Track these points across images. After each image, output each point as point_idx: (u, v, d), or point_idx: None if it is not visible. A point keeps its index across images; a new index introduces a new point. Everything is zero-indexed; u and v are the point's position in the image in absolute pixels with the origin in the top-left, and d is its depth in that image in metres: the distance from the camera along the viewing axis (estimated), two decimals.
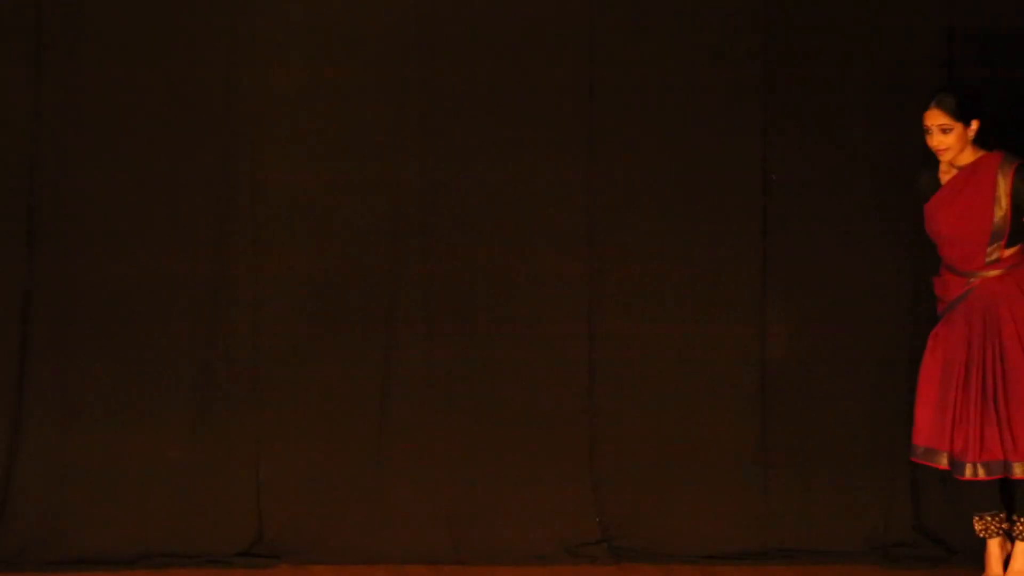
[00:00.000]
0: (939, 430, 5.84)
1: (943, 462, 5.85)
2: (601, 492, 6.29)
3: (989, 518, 5.89)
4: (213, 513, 6.13)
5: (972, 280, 5.85)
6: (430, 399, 6.22)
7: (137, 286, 6.09)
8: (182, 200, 6.12)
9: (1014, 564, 5.86)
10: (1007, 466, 5.78)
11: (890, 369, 6.33)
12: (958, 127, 5.83)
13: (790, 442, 6.34)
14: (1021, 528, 5.85)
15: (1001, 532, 5.91)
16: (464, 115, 6.22)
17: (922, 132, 5.85)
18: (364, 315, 6.19)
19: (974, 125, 5.85)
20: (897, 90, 6.25)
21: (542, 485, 6.26)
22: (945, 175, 5.94)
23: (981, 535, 5.92)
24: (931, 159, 5.91)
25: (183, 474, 6.12)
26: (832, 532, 6.31)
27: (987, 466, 5.78)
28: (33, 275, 6.06)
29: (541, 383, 6.27)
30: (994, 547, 5.91)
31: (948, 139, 5.83)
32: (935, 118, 5.83)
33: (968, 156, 5.89)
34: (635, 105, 6.25)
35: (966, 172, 5.88)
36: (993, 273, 5.84)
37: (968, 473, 5.79)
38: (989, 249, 5.82)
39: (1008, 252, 5.84)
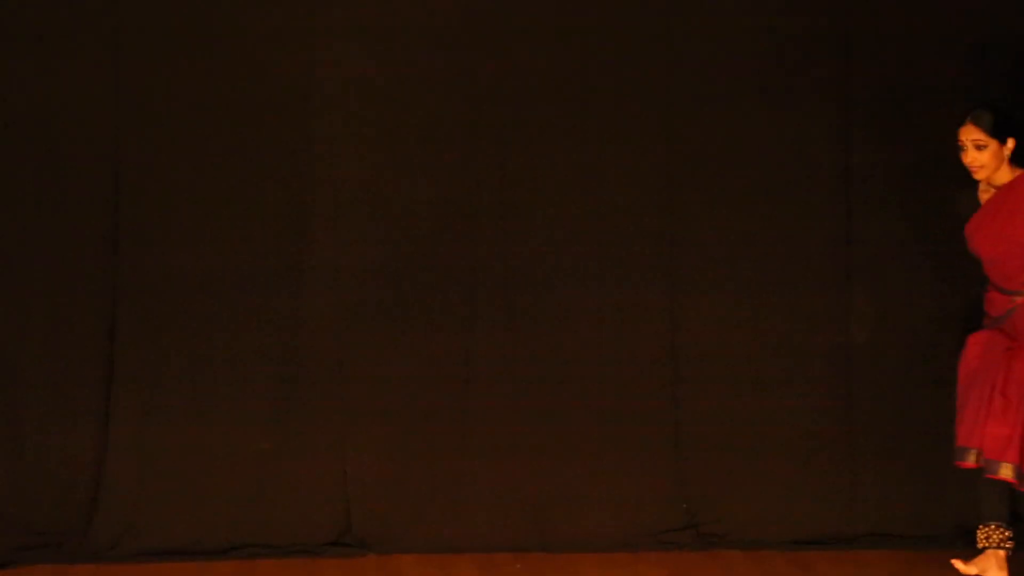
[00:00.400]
0: (970, 428, 5.67)
1: (971, 460, 5.65)
2: (687, 478, 6.27)
3: (992, 528, 5.69)
4: (301, 504, 6.18)
5: (1016, 299, 5.71)
6: (512, 387, 6.22)
7: (219, 280, 6.15)
8: (262, 194, 6.17)
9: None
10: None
11: None
12: (993, 144, 5.69)
13: (877, 426, 6.29)
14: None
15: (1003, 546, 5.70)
16: (542, 103, 6.22)
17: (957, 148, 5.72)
18: (445, 304, 6.21)
19: (1010, 143, 5.70)
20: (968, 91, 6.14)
21: (627, 472, 6.25)
22: (984, 195, 5.82)
23: (982, 545, 5.70)
24: (970, 180, 5.79)
25: (270, 465, 6.17)
26: (920, 516, 6.25)
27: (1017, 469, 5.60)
28: (119, 272, 6.14)
29: (624, 369, 6.25)
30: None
31: (983, 156, 5.69)
32: (970, 133, 5.70)
33: (1005, 175, 5.75)
34: (716, 81, 6.23)
35: (1003, 192, 5.74)
36: None
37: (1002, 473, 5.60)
38: None
39: None
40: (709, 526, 6.26)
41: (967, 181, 5.79)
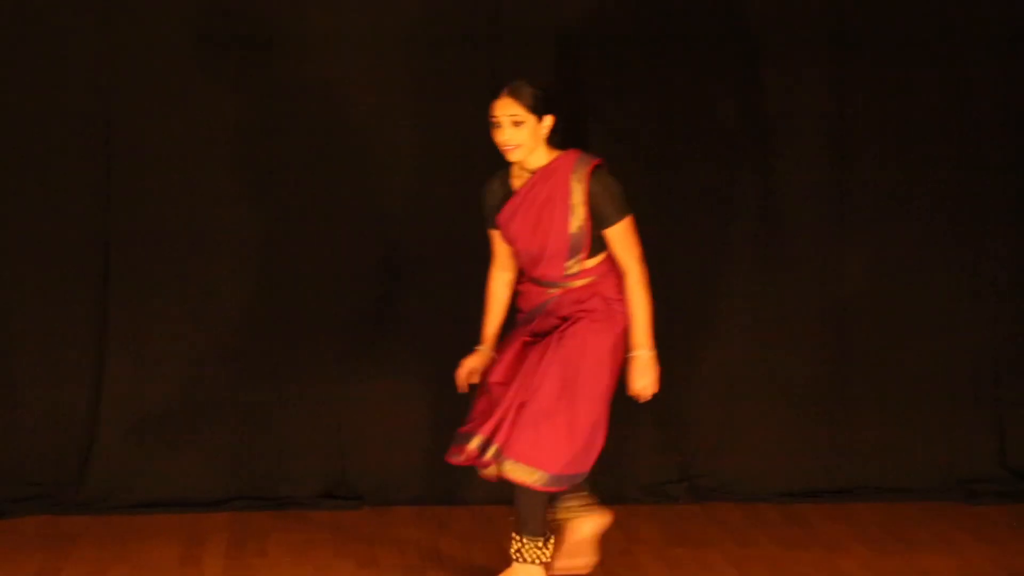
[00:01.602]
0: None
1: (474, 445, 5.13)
2: (679, 431, 6.29)
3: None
4: (294, 455, 6.18)
5: (551, 291, 5.19)
6: None
7: (211, 235, 6.14)
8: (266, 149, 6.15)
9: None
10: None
11: (974, 304, 6.30)
12: (531, 120, 5.09)
13: (869, 378, 6.33)
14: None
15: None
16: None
17: None
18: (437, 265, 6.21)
19: (548, 121, 5.11)
20: None
21: (618, 424, 6.23)
22: (517, 180, 5.20)
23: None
24: (503, 166, 5.22)
25: (262, 417, 6.15)
26: (913, 469, 6.30)
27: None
28: (111, 225, 6.10)
29: None
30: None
31: (520, 134, 5.08)
32: (507, 108, 5.08)
33: (541, 157, 5.16)
34: None
35: (539, 176, 5.15)
36: (577, 284, 5.18)
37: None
38: (569, 263, 5.15)
39: (591, 263, 5.17)
40: (703, 479, 6.28)
41: (499, 163, 5.23)
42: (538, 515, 5.11)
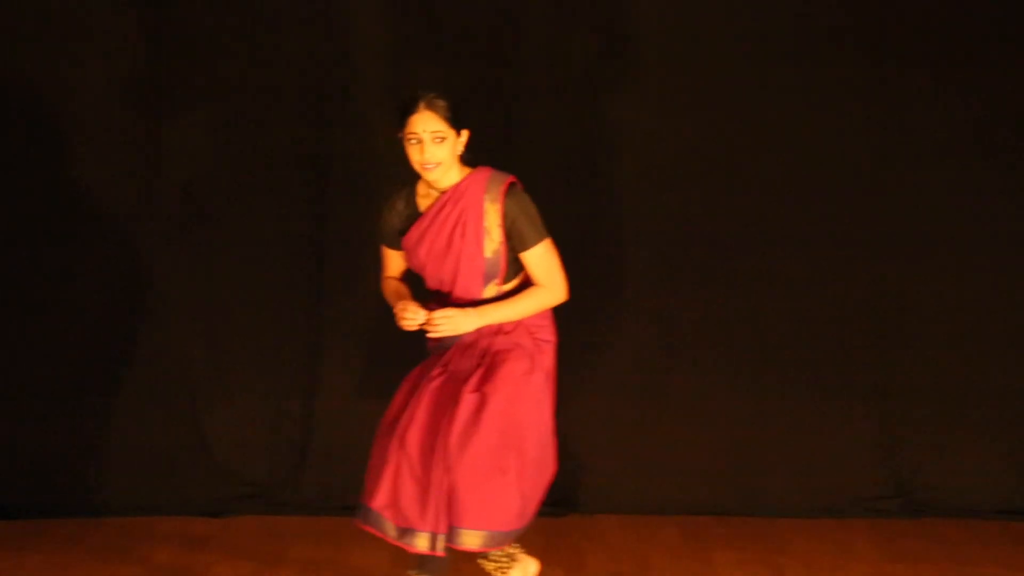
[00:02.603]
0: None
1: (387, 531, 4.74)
2: (895, 443, 6.14)
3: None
4: None
5: None
6: (715, 350, 6.15)
7: None
8: None
9: None
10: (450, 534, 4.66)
11: None
12: (451, 136, 4.69)
13: None
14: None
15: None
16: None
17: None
18: (644, 266, 6.13)
19: (464, 136, 4.74)
20: None
21: (833, 436, 6.15)
22: (424, 199, 4.82)
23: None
24: (408, 181, 4.86)
25: None
26: None
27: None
28: (325, 235, 6.16)
29: (828, 333, 6.13)
30: None
31: (442, 151, 4.67)
32: (427, 123, 4.65)
33: (453, 176, 4.76)
34: None
35: (449, 197, 4.75)
36: None
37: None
38: (486, 288, 4.77)
39: (508, 288, 4.83)
40: (919, 494, 6.13)
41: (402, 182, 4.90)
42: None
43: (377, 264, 5.07)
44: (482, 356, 4.78)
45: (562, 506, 6.13)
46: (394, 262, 4.98)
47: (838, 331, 6.14)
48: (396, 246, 4.93)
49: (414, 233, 4.81)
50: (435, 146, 4.69)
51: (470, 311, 4.76)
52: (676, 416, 6.17)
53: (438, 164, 4.72)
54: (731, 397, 6.16)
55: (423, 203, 4.85)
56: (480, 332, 4.81)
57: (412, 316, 4.74)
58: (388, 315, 6.03)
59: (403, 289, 4.97)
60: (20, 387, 6.10)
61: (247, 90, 6.09)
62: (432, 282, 4.87)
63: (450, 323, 4.74)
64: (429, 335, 4.82)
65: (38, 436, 6.10)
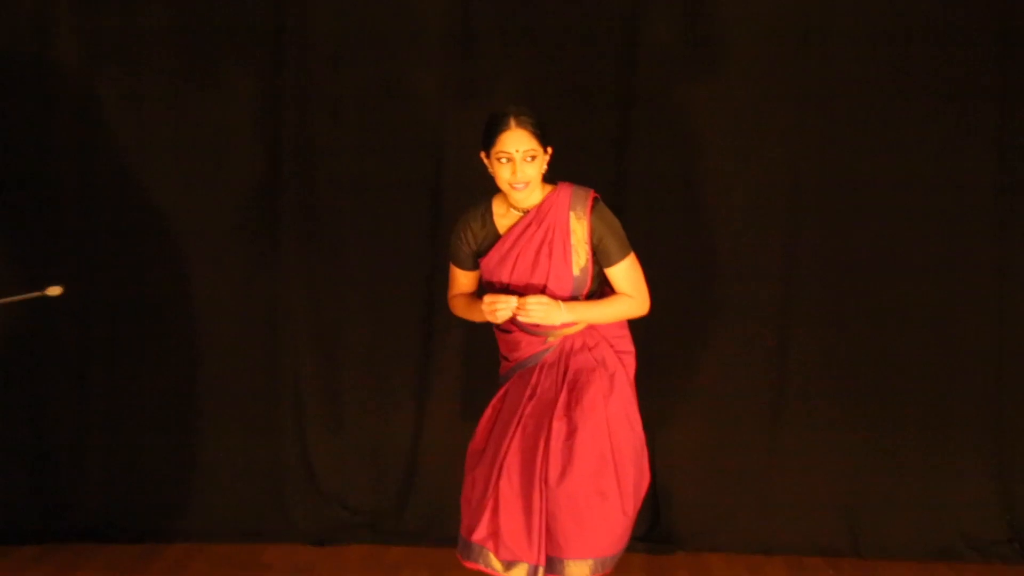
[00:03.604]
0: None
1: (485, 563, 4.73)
2: (1009, 488, 6.02)
3: None
4: None
5: (550, 340, 4.77)
6: (827, 387, 6.07)
7: None
8: None
9: None
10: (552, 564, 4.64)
11: None
12: (541, 153, 4.58)
13: None
14: None
15: None
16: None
17: None
18: (756, 299, 6.08)
19: (550, 153, 4.65)
20: None
21: (945, 478, 6.04)
22: (503, 219, 4.72)
23: None
24: (481, 202, 4.78)
25: None
26: None
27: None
28: (437, 255, 6.13)
29: (945, 373, 6.04)
30: None
31: (533, 169, 4.56)
32: (520, 140, 4.53)
33: (538, 194, 4.66)
34: None
35: (533, 216, 4.64)
36: (575, 329, 4.76)
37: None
38: None
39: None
40: None
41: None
42: None
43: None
44: (564, 376, 4.73)
45: (669, 543, 6.09)
46: (464, 282, 4.90)
47: (954, 369, 6.04)
48: (469, 267, 4.86)
49: (494, 255, 4.72)
50: (526, 165, 4.59)
51: (561, 304, 4.67)
52: (786, 454, 6.10)
53: (527, 183, 4.62)
54: (842, 434, 6.08)
55: (501, 223, 4.75)
56: (563, 349, 4.76)
57: (504, 304, 4.66)
58: (494, 345, 6.14)
59: (475, 301, 4.91)
60: (128, 412, 6.19)
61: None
62: None
63: (543, 309, 4.64)
64: (519, 318, 4.71)
65: (145, 462, 6.19)
